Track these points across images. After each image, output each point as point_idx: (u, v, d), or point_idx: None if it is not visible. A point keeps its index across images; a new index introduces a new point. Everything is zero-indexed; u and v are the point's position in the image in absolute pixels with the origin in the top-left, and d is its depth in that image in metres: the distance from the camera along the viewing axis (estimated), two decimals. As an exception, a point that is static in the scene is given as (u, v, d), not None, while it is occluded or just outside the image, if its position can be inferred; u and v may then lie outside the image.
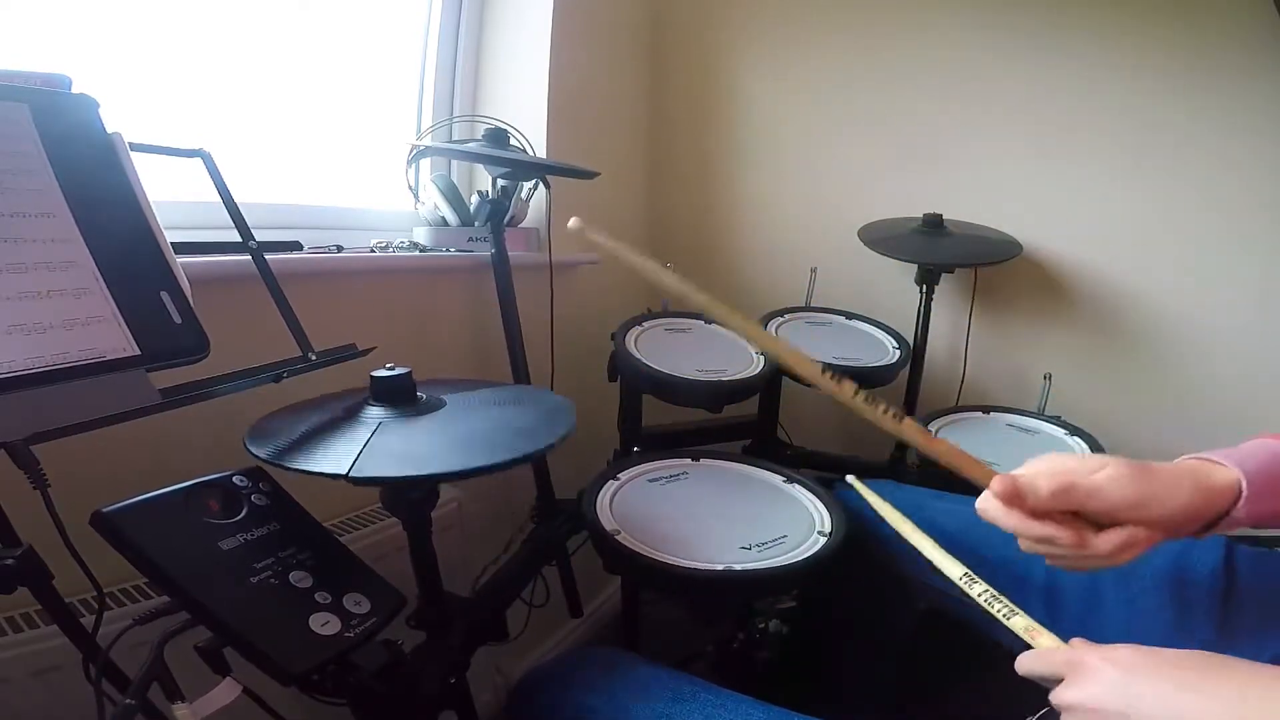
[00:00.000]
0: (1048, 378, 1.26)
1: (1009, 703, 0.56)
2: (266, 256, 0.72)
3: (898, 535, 0.87)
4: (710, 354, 1.17)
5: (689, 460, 1.03)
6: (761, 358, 1.17)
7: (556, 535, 1.09)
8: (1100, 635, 0.68)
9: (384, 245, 1.11)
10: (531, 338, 1.15)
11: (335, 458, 0.58)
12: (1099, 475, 0.51)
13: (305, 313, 0.73)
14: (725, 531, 0.86)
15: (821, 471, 1.16)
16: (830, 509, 0.91)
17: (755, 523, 0.88)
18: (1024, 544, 0.53)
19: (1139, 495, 0.50)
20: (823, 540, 0.84)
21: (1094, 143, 1.34)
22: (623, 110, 1.60)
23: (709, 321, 1.27)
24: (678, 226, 1.72)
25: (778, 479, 1.00)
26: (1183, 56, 1.26)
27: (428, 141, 1.25)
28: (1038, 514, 0.51)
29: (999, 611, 0.50)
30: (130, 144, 0.60)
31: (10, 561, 0.46)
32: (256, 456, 0.60)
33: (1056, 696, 0.44)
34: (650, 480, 0.97)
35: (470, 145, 1.09)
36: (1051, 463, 0.53)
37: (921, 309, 1.34)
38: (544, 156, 1.28)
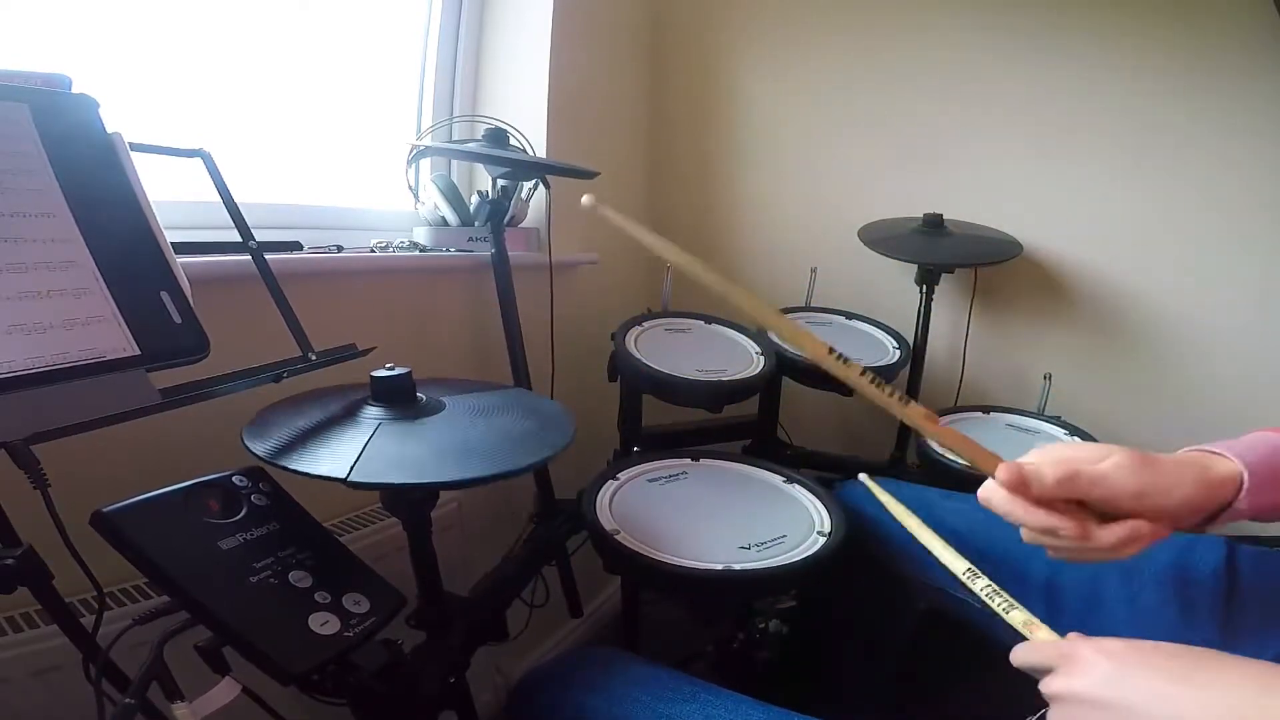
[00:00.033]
0: (1048, 378, 1.27)
1: (1009, 703, 0.56)
2: (266, 256, 0.72)
3: (898, 535, 0.88)
4: (710, 354, 1.17)
5: (689, 460, 1.03)
6: (762, 358, 1.17)
7: (556, 535, 1.09)
8: (1101, 634, 0.68)
9: (384, 245, 1.11)
10: (531, 338, 1.15)
11: (334, 460, 0.58)
12: (1104, 464, 0.51)
13: (305, 313, 0.73)
14: (725, 531, 0.86)
15: (821, 471, 1.16)
16: (830, 509, 0.91)
17: (755, 522, 0.88)
18: (1026, 534, 0.53)
19: (1142, 485, 0.50)
20: (822, 540, 0.84)
21: (1094, 143, 1.34)
22: (623, 110, 1.60)
23: (709, 321, 1.27)
24: (678, 226, 1.72)
25: (777, 479, 1.00)
26: (1183, 57, 1.26)
27: (428, 141, 1.25)
28: (1042, 503, 0.51)
29: (999, 606, 0.50)
30: (130, 144, 0.60)
31: (10, 561, 0.46)
32: (254, 453, 0.60)
33: (1046, 686, 0.44)
34: (650, 480, 0.97)
35: (470, 145, 1.09)
36: (1056, 451, 0.53)
37: (921, 309, 1.34)
38: (544, 156, 1.28)
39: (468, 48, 1.33)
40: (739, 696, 0.63)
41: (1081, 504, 0.51)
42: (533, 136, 1.26)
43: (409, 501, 0.69)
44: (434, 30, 1.29)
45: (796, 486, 0.98)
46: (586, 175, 1.08)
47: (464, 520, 1.10)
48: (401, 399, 0.69)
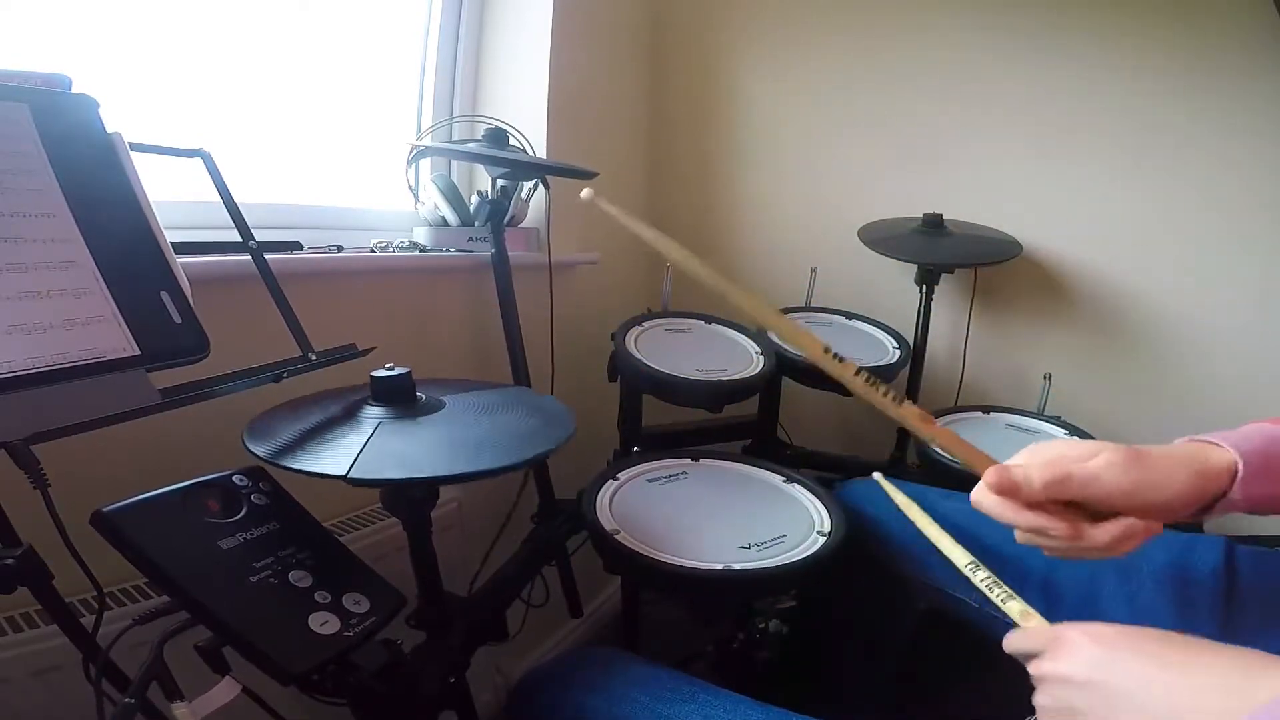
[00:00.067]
0: (1048, 378, 1.27)
1: (1009, 703, 0.56)
2: (266, 256, 0.72)
3: (898, 535, 0.88)
4: (710, 354, 1.17)
5: (689, 460, 1.03)
6: (762, 358, 1.17)
7: (556, 535, 1.09)
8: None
9: (384, 245, 1.11)
10: (531, 338, 1.15)
11: (334, 458, 0.58)
12: (1093, 463, 0.50)
13: (305, 313, 0.73)
14: (725, 531, 0.86)
15: (821, 471, 1.16)
16: (830, 509, 0.91)
17: (755, 522, 0.88)
18: (1020, 535, 0.53)
19: (1134, 484, 0.50)
20: (822, 540, 0.84)
21: (1094, 143, 1.34)
22: (623, 110, 1.60)
23: (709, 321, 1.27)
24: (678, 226, 1.72)
25: (777, 479, 1.00)
26: (1183, 58, 1.26)
27: (428, 141, 1.25)
28: (1032, 505, 0.51)
29: (998, 596, 0.51)
30: (130, 144, 0.60)
31: (10, 561, 0.46)
32: (254, 454, 0.60)
33: (1035, 667, 0.44)
34: (650, 480, 0.97)
35: (470, 145, 1.09)
36: (1045, 452, 0.53)
37: (921, 309, 1.34)
38: (544, 156, 1.28)
39: (468, 48, 1.33)
40: (738, 697, 0.63)
41: (1074, 503, 0.51)
42: (533, 136, 1.26)
43: (409, 501, 0.69)
44: (434, 30, 1.29)
45: (796, 486, 0.98)
46: (586, 175, 1.08)
47: (464, 520, 1.10)
48: (401, 399, 0.69)
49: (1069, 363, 1.37)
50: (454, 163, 1.31)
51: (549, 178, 1.14)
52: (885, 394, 0.52)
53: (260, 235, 0.72)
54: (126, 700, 0.49)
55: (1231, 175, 1.26)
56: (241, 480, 0.62)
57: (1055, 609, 0.73)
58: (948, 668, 0.95)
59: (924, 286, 1.34)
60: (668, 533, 0.83)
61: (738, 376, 1.11)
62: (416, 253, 1.12)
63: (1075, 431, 1.19)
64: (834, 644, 1.03)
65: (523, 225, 1.23)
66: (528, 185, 1.18)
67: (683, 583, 0.78)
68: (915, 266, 1.33)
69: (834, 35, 1.51)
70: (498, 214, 1.09)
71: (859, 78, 1.50)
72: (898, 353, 1.29)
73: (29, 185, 0.52)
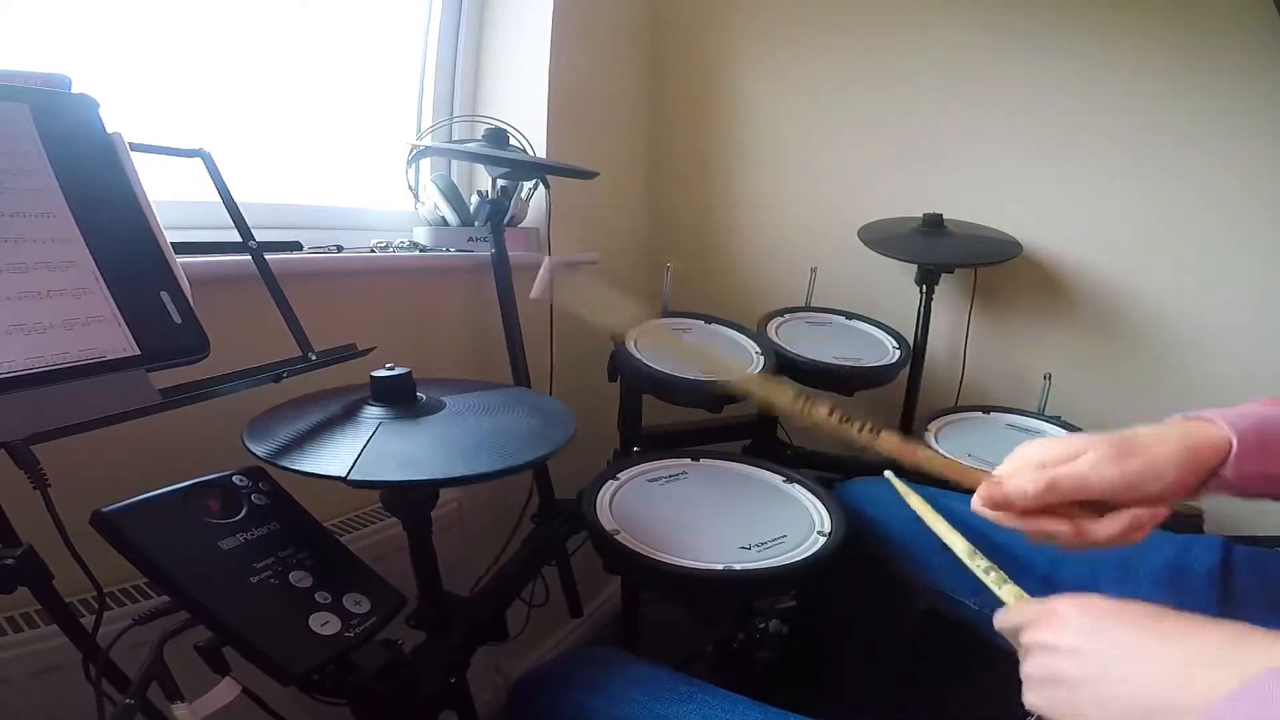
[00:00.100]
0: (1048, 378, 1.26)
1: (1009, 703, 0.56)
2: (266, 256, 0.72)
3: (898, 535, 0.88)
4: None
5: (689, 460, 1.03)
6: (761, 358, 1.17)
7: (556, 535, 1.09)
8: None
9: (384, 245, 1.11)
10: (531, 338, 1.15)
11: (334, 459, 0.58)
12: (1079, 464, 0.50)
13: (305, 313, 0.73)
14: (725, 531, 0.86)
15: (821, 471, 1.16)
16: (830, 509, 0.91)
17: (755, 522, 0.88)
18: (1028, 538, 0.53)
19: (1126, 477, 0.50)
20: (822, 540, 0.84)
21: (1094, 143, 1.34)
22: (623, 110, 1.60)
23: (709, 321, 1.27)
24: (678, 226, 1.72)
25: (777, 479, 1.00)
26: (1183, 58, 1.26)
27: (428, 141, 1.25)
28: (1030, 513, 0.51)
29: (993, 580, 0.51)
30: (130, 144, 0.60)
31: (10, 561, 0.46)
32: (254, 454, 0.60)
33: (1024, 637, 0.44)
34: (650, 480, 0.97)
35: (470, 145, 1.09)
36: (1031, 457, 0.53)
37: (921, 309, 1.34)
38: (544, 156, 1.28)
39: (468, 48, 1.33)
40: (736, 697, 0.63)
41: (1071, 503, 0.51)
42: (533, 136, 1.26)
43: (409, 501, 0.69)
44: (434, 30, 1.29)
45: (796, 486, 0.98)
46: (586, 175, 1.08)
47: (464, 520, 1.10)
48: (401, 399, 0.69)
49: (1069, 363, 1.37)
50: (454, 163, 1.31)
51: (549, 177, 1.14)
52: (861, 429, 0.53)
53: (260, 235, 0.72)
54: (126, 700, 0.49)
55: (1231, 175, 1.26)
56: (241, 480, 0.62)
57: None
58: (948, 668, 0.95)
59: (924, 286, 1.34)
60: (668, 533, 0.83)
61: (738, 376, 1.11)
62: (416, 253, 1.12)
63: (1075, 431, 1.19)
64: (834, 644, 1.03)
65: (523, 225, 1.23)
66: (528, 185, 1.18)
67: (683, 583, 0.78)
68: (915, 266, 1.33)
69: (834, 35, 1.51)
70: (498, 214, 1.09)
71: (859, 78, 1.50)
72: (898, 353, 1.29)
73: (29, 185, 0.52)
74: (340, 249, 1.00)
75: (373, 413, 0.67)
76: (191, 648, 0.52)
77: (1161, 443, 0.51)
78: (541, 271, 0.46)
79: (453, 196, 1.16)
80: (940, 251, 1.30)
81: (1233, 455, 0.50)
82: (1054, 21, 1.34)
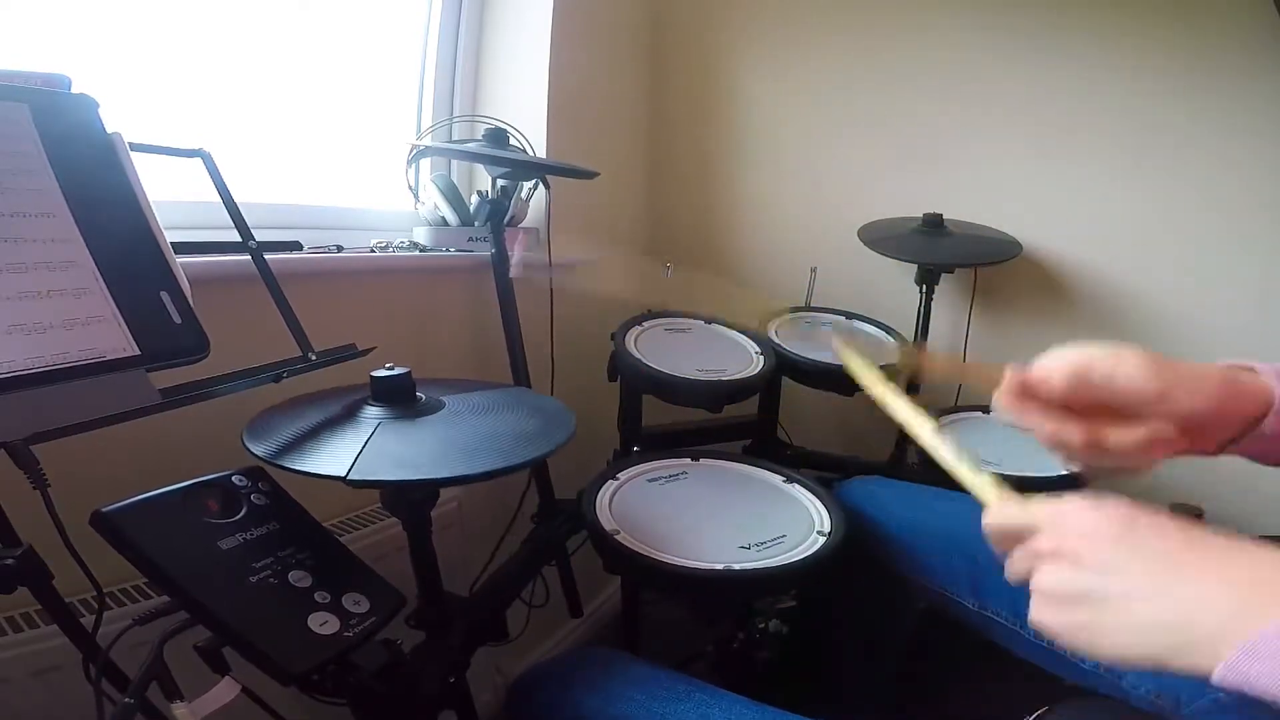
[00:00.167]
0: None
1: (1009, 703, 0.56)
2: (266, 256, 0.72)
3: (897, 535, 0.88)
4: (710, 354, 1.17)
5: (689, 460, 1.03)
6: (761, 358, 1.17)
7: (556, 535, 1.09)
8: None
9: (384, 245, 1.11)
10: (531, 337, 1.15)
11: (334, 459, 0.58)
12: (1114, 360, 0.47)
13: (305, 313, 0.73)
14: (725, 531, 0.86)
15: (821, 471, 1.16)
16: (830, 509, 0.91)
17: (755, 522, 0.88)
18: (1041, 441, 0.50)
19: (1161, 384, 0.46)
20: (822, 540, 0.84)
21: (1094, 143, 1.34)
22: (623, 110, 1.60)
23: (709, 321, 1.27)
24: (678, 226, 1.72)
25: (777, 479, 1.00)
26: (1183, 58, 1.26)
27: (428, 141, 1.25)
28: (1053, 408, 0.48)
29: (966, 466, 0.48)
30: (130, 144, 0.60)
31: (10, 561, 0.46)
32: (254, 454, 0.60)
33: (1035, 543, 0.40)
34: (650, 480, 0.97)
35: (470, 145, 1.09)
36: (1067, 353, 0.49)
37: (921, 309, 1.34)
38: (544, 156, 1.28)
39: (468, 48, 1.33)
40: (735, 696, 0.63)
41: (1098, 412, 0.48)
42: (533, 136, 1.26)
43: (409, 501, 0.69)
44: (434, 30, 1.29)
45: (796, 486, 0.98)
46: (586, 175, 1.08)
47: (464, 520, 1.10)
48: (401, 399, 0.69)
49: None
50: (454, 163, 1.31)
51: (549, 177, 1.14)
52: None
53: (260, 235, 0.72)
54: (126, 700, 0.49)
55: (1231, 175, 1.26)
56: (241, 480, 0.62)
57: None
58: (948, 668, 0.95)
59: (924, 286, 1.34)
60: (668, 533, 0.83)
61: (738, 376, 1.11)
62: (416, 253, 1.12)
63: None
64: (834, 644, 1.03)
65: (523, 225, 1.23)
66: (528, 185, 1.18)
67: (683, 583, 0.78)
68: (915, 266, 1.33)
69: (834, 35, 1.51)
70: (498, 214, 1.09)
71: (859, 78, 1.50)
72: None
73: (29, 185, 0.52)
74: (340, 249, 1.00)
75: (372, 413, 0.67)
76: (191, 648, 0.52)
77: (1202, 370, 0.48)
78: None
79: (453, 196, 1.16)
80: (940, 251, 1.30)
81: (1275, 409, 0.47)
82: (1054, 21, 1.34)
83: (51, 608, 0.51)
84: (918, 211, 1.35)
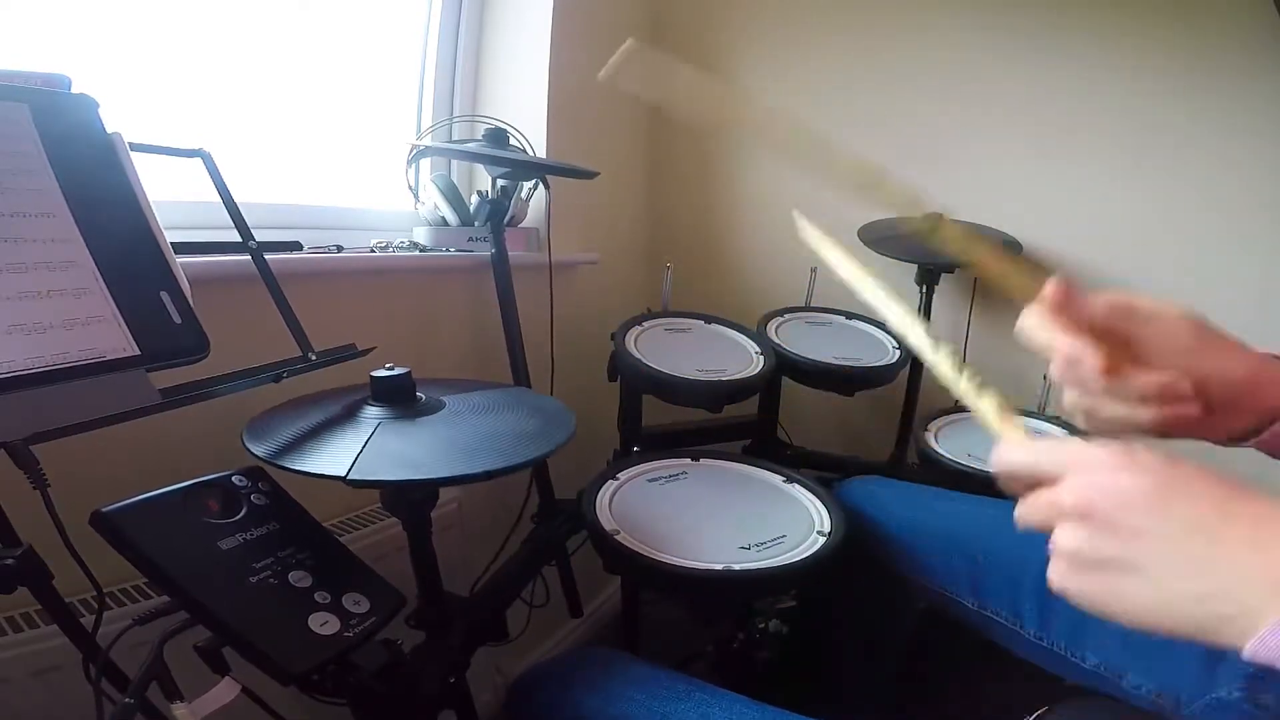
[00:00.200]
0: (1048, 378, 1.26)
1: (1009, 703, 0.56)
2: (266, 256, 0.72)
3: (897, 535, 0.88)
4: (710, 354, 1.17)
5: (689, 460, 1.03)
6: (761, 358, 1.17)
7: (556, 535, 1.09)
8: (1095, 639, 0.68)
9: (384, 245, 1.11)
10: (531, 338, 1.15)
11: (334, 459, 0.58)
12: (1162, 304, 0.46)
13: (305, 313, 0.73)
14: (725, 531, 0.86)
15: (821, 471, 1.16)
16: (830, 509, 0.91)
17: (755, 522, 0.88)
18: (1055, 370, 0.48)
19: (1197, 339, 0.45)
20: (822, 540, 0.84)
21: (1094, 143, 1.34)
22: (623, 110, 1.60)
23: (709, 321, 1.27)
24: (678, 226, 1.72)
25: (777, 479, 1.00)
26: (1183, 58, 1.26)
27: (428, 141, 1.25)
28: (1083, 328, 0.46)
29: (967, 383, 0.45)
30: (130, 144, 0.60)
31: (10, 561, 0.46)
32: (254, 454, 0.60)
33: (1053, 495, 0.36)
34: (650, 480, 0.97)
35: (470, 145, 1.09)
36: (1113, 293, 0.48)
37: (921, 309, 1.34)
38: (544, 156, 1.28)
39: (468, 48, 1.33)
40: (735, 696, 0.63)
41: (1125, 354, 0.46)
42: (533, 136, 1.26)
43: (409, 501, 0.69)
44: (434, 30, 1.29)
45: (796, 486, 0.98)
46: (586, 175, 1.08)
47: (464, 520, 1.10)
48: (401, 399, 0.69)
49: (1069, 363, 1.37)
50: (454, 163, 1.31)
51: (549, 177, 1.14)
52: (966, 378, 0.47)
53: (260, 235, 0.72)
54: (126, 700, 0.49)
55: (1231, 175, 1.26)
56: (241, 480, 0.62)
57: (1049, 612, 0.73)
58: (948, 668, 0.95)
59: (924, 286, 1.34)
60: (668, 533, 0.83)
61: (738, 376, 1.11)
62: (416, 253, 1.12)
63: (1076, 432, 1.19)
64: (834, 644, 1.03)
65: (523, 225, 1.23)
66: (528, 185, 1.18)
67: (683, 583, 0.78)
68: (915, 266, 1.33)
69: (834, 36, 1.51)
70: (498, 214, 1.09)
71: (859, 78, 1.50)
72: (898, 353, 1.29)
73: (29, 185, 0.52)
74: (340, 249, 1.00)
75: (372, 413, 0.67)
76: (191, 648, 0.52)
77: (1242, 347, 0.47)
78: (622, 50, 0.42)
79: (453, 196, 1.16)
80: (940, 252, 1.30)
81: None
82: (1054, 21, 1.34)
83: (51, 608, 0.51)
84: (918, 211, 1.35)
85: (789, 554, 0.82)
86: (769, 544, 0.83)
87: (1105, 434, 0.47)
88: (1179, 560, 0.32)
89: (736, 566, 0.78)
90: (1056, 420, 1.22)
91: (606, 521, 0.84)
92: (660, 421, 1.24)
